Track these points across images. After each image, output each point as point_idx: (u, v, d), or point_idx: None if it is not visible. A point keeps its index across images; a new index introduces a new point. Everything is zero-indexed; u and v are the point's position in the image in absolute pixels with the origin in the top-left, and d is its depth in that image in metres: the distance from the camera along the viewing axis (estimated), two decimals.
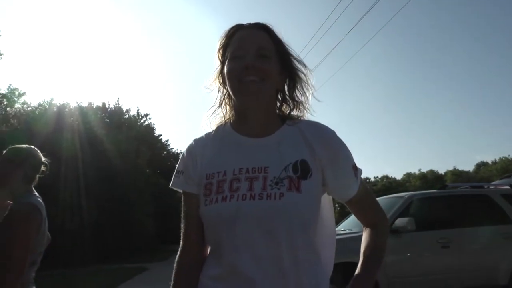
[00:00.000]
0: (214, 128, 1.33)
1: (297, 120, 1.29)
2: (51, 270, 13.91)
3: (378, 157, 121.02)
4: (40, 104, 24.85)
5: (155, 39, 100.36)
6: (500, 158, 70.19)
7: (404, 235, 5.94)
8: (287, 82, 1.30)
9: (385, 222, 1.33)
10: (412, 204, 6.44)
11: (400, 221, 5.99)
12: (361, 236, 1.31)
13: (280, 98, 1.32)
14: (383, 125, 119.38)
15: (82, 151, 21.00)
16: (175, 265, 1.26)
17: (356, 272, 1.18)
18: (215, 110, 1.33)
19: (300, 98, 1.30)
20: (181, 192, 1.29)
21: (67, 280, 13.56)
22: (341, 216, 11.77)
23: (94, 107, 28.11)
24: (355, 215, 1.33)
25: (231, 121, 1.31)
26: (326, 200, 1.28)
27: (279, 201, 1.12)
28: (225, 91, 1.31)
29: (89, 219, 19.84)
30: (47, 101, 24.86)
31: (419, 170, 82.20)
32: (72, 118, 23.53)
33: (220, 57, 1.30)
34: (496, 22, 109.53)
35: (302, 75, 1.30)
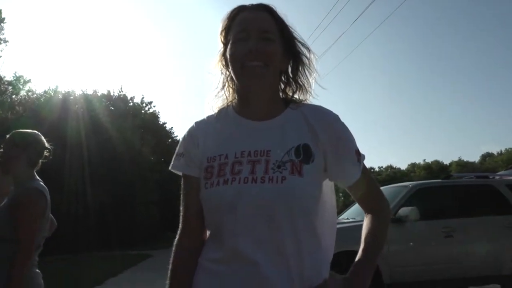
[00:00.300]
0: (216, 111, 1.31)
1: (300, 104, 1.27)
2: (55, 256, 14.05)
3: (383, 147, 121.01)
4: (45, 92, 24.92)
5: (158, 25, 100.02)
6: (506, 149, 69.85)
7: (407, 224, 5.94)
8: (291, 64, 1.28)
9: (387, 210, 1.30)
10: (417, 193, 6.43)
11: (404, 210, 5.99)
12: None
13: (283, 80, 1.30)
14: (388, 115, 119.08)
15: (87, 138, 21.05)
16: (173, 248, 1.25)
17: (357, 258, 1.16)
18: (218, 93, 1.32)
19: (303, 81, 1.28)
20: (181, 175, 1.28)
21: (73, 266, 13.70)
22: (344, 206, 11.79)
23: (99, 95, 28.14)
24: (357, 201, 1.31)
25: (234, 104, 1.30)
26: (328, 187, 1.26)
27: (281, 185, 1.11)
28: (227, 73, 1.29)
29: (93, 206, 19.98)
30: (52, 89, 24.93)
31: (424, 160, 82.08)
32: (77, 106, 23.58)
33: (222, 39, 1.28)
34: (501, 13, 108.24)
35: (305, 59, 1.28)
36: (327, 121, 1.22)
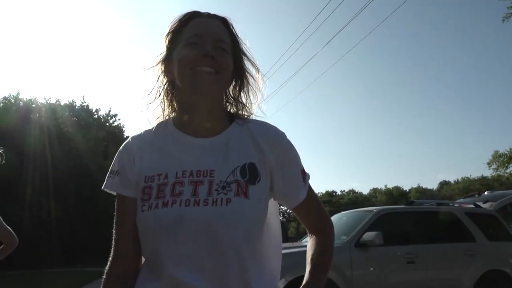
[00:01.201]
0: (154, 124, 1.19)
1: (246, 120, 1.18)
2: (9, 272, 13.42)
3: (347, 171, 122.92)
4: (5, 98, 24.14)
5: (124, 37, 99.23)
6: (462, 177, 72.21)
7: (371, 249, 5.97)
8: (233, 83, 1.20)
9: (332, 230, 1.25)
10: (381, 218, 6.47)
11: (368, 235, 6.01)
12: None
13: (224, 98, 1.21)
14: (353, 140, 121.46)
15: (50, 148, 20.46)
16: (104, 276, 1.13)
17: (305, 280, 1.11)
18: (151, 103, 1.19)
19: (245, 101, 1.20)
20: (115, 195, 1.16)
21: (26, 282, 13.16)
22: None
23: (62, 104, 27.47)
24: (301, 221, 1.25)
25: (173, 117, 1.18)
26: (273, 206, 1.19)
27: (225, 207, 1.02)
28: (165, 81, 1.18)
29: (55, 218, 19.29)
30: (12, 95, 24.19)
31: (385, 186, 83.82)
32: (38, 114, 22.91)
33: (167, 43, 1.16)
34: (459, 40, 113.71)
35: (251, 79, 1.20)
36: (274, 139, 1.15)
